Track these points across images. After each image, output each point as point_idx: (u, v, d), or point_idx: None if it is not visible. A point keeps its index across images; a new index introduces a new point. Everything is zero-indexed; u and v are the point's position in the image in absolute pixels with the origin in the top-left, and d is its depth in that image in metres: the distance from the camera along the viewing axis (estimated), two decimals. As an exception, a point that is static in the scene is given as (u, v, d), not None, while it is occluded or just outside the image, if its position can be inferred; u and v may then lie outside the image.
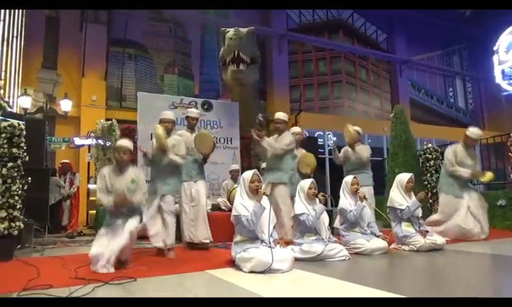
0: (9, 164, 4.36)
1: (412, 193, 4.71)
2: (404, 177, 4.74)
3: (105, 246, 3.50)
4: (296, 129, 5.78)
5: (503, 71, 18.78)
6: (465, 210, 5.26)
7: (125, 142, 3.89)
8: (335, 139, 14.95)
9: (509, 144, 6.32)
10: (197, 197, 4.89)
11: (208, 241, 4.86)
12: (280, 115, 5.29)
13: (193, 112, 5.24)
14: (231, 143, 7.64)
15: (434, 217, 5.59)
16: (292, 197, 4.81)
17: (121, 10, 12.78)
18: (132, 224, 3.62)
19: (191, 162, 4.93)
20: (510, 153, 6.26)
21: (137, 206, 3.80)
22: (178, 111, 7.21)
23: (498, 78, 18.95)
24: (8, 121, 4.57)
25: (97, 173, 7.11)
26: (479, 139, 5.57)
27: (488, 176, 5.27)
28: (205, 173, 5.18)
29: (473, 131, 5.49)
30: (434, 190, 6.77)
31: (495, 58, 19.04)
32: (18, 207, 4.39)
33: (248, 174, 3.69)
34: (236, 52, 8.05)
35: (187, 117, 5.16)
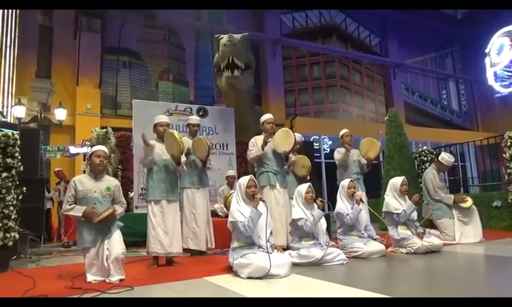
0: (4, 174, 4.33)
1: (406, 196, 4.73)
2: (397, 181, 4.75)
3: (100, 269, 3.45)
4: (297, 136, 5.64)
5: (495, 73, 18.97)
6: (459, 223, 5.48)
7: (102, 147, 3.84)
8: (330, 142, 15.03)
9: (503, 145, 6.36)
10: (199, 205, 4.87)
11: (205, 249, 4.85)
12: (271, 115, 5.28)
13: (193, 119, 5.28)
14: (227, 149, 7.63)
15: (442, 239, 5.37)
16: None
17: (115, 18, 12.80)
18: (118, 249, 3.43)
19: (193, 168, 4.91)
20: (504, 154, 6.30)
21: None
22: (173, 118, 7.20)
23: (491, 80, 19.13)
24: (2, 131, 4.54)
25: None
26: (451, 164, 5.81)
27: (469, 202, 5.53)
28: (207, 179, 5.17)
29: (445, 157, 5.71)
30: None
31: (487, 60, 19.23)
32: (13, 217, 4.35)
33: (244, 180, 3.68)
34: (230, 58, 8.07)
35: (188, 124, 5.19)
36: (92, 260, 3.47)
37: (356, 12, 17.18)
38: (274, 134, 5.06)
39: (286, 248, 4.25)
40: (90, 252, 3.49)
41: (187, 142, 4.93)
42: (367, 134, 5.74)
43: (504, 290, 2.81)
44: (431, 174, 5.74)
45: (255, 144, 5.06)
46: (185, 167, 4.56)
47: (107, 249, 3.43)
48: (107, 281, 3.35)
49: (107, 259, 3.39)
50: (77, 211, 3.49)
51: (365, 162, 5.58)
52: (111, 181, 3.78)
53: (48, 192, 8.35)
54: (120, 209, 3.68)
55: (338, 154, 5.66)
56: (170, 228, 4.25)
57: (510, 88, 18.57)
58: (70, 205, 3.54)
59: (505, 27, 18.46)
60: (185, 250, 4.83)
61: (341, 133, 5.81)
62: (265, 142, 4.88)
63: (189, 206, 4.87)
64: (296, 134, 5.77)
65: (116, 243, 3.46)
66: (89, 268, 3.46)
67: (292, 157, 5.42)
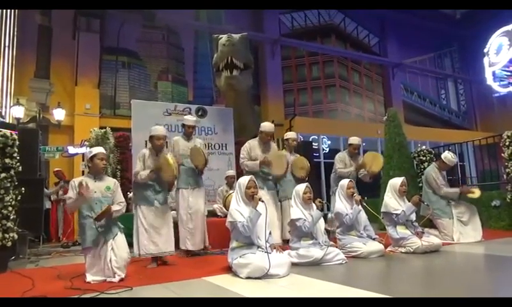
0: (2, 175, 4.33)
1: (405, 197, 4.74)
2: (396, 181, 4.76)
3: (100, 270, 3.47)
4: (291, 134, 5.77)
5: (494, 73, 18.96)
6: (459, 223, 5.47)
7: (102, 149, 3.86)
8: (329, 142, 15.04)
9: (501, 144, 6.37)
10: (195, 205, 4.87)
11: (202, 249, 4.85)
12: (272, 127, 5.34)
13: (189, 120, 5.14)
14: (226, 149, 7.63)
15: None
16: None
17: (114, 18, 12.78)
18: (125, 253, 3.54)
19: (189, 170, 4.90)
20: (503, 154, 6.31)
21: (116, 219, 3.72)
22: (172, 118, 7.21)
23: (490, 80, 19.11)
24: (1, 131, 4.53)
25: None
26: (453, 164, 5.83)
27: (477, 192, 5.51)
28: (203, 180, 5.17)
29: (448, 157, 5.67)
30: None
31: (486, 60, 19.23)
32: (12, 218, 4.35)
33: (244, 180, 3.68)
34: (229, 58, 8.06)
35: (184, 125, 5.12)
36: (93, 260, 3.48)
37: (355, 12, 17.17)
38: (270, 142, 5.21)
39: (282, 246, 4.29)
40: (92, 253, 3.50)
41: (183, 143, 4.94)
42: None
43: (503, 290, 2.81)
44: (433, 172, 5.72)
45: (249, 152, 5.12)
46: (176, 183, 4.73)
47: (112, 249, 3.48)
48: (108, 280, 3.36)
49: (110, 262, 3.42)
50: (74, 199, 3.51)
51: (366, 173, 5.59)
52: (110, 181, 3.82)
53: (47, 189, 8.33)
54: (117, 207, 3.68)
55: (342, 164, 5.71)
56: (159, 229, 4.29)
57: (508, 88, 18.58)
58: (68, 200, 3.56)
59: (503, 27, 18.45)
60: (184, 251, 4.85)
61: (350, 142, 5.82)
62: (263, 163, 4.93)
63: (184, 206, 4.86)
64: (292, 133, 5.84)
65: (122, 247, 3.55)
66: (89, 268, 3.47)
67: (292, 157, 5.49)
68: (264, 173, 5.00)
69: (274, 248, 3.61)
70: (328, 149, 14.89)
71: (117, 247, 3.50)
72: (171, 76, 13.98)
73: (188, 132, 5.06)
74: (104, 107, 12.54)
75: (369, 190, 6.03)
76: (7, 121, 8.81)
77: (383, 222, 4.89)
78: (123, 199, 3.86)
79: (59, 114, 10.42)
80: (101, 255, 3.48)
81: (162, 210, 4.37)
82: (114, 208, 3.63)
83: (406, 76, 18.83)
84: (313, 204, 4.10)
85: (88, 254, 3.51)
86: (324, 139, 15.12)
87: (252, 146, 5.15)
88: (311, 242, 3.99)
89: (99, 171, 3.70)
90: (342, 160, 5.73)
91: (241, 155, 5.19)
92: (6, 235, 4.25)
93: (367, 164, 5.50)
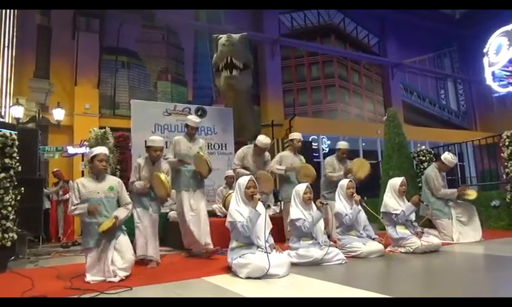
0: (2, 175, 4.32)
1: (404, 197, 4.74)
2: (396, 181, 4.77)
3: (101, 270, 3.47)
4: (297, 135, 5.80)
5: (493, 73, 18.97)
6: (458, 224, 5.49)
7: (103, 149, 3.85)
8: (329, 142, 15.04)
9: (501, 144, 6.38)
10: (197, 206, 4.87)
11: (211, 247, 4.85)
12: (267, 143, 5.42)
13: (193, 121, 5.06)
14: (225, 149, 7.63)
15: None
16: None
17: (114, 18, 12.78)
18: (130, 255, 3.58)
19: (190, 172, 4.89)
20: (502, 154, 6.31)
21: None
22: (172, 118, 7.22)
23: (489, 80, 19.12)
24: (0, 131, 4.53)
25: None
26: (453, 166, 5.85)
27: (474, 193, 5.54)
28: (204, 182, 5.18)
29: (448, 158, 5.67)
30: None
31: (485, 60, 19.24)
32: (11, 218, 4.35)
33: (244, 180, 3.68)
34: (229, 58, 8.05)
35: (187, 125, 5.09)
36: (94, 261, 3.48)
37: (354, 12, 17.18)
38: (265, 152, 5.39)
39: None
40: (93, 253, 3.50)
41: (184, 143, 4.93)
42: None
43: (503, 290, 2.81)
44: (433, 173, 5.74)
45: (241, 159, 5.29)
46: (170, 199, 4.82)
47: (116, 250, 3.50)
48: (107, 280, 3.36)
49: (112, 263, 3.43)
50: (81, 209, 3.53)
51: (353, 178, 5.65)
52: (113, 181, 3.81)
53: (46, 189, 8.31)
54: (124, 214, 3.69)
55: (331, 168, 5.89)
56: (147, 240, 4.36)
57: (508, 88, 18.59)
58: (73, 206, 3.57)
59: (503, 27, 18.46)
60: (186, 251, 4.93)
61: (338, 146, 6.01)
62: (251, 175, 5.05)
63: (187, 209, 4.84)
64: (297, 134, 5.92)
65: (126, 248, 3.57)
66: (90, 269, 3.47)
67: (296, 158, 5.67)
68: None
69: (274, 248, 3.61)
70: (327, 150, 14.88)
71: (121, 248, 3.52)
72: (170, 76, 13.98)
73: (191, 133, 5.05)
74: (103, 107, 12.54)
75: (369, 190, 6.04)
76: (6, 121, 8.80)
77: (382, 222, 4.89)
78: (130, 200, 3.88)
79: (58, 114, 10.41)
80: (102, 256, 3.48)
81: (153, 221, 4.46)
82: (120, 216, 3.63)
83: (406, 76, 18.84)
84: (313, 205, 4.10)
85: (89, 254, 3.51)
86: (323, 139, 15.12)
87: (246, 153, 5.34)
88: (311, 242, 3.99)
89: (100, 172, 3.70)
90: (330, 165, 5.92)
91: (234, 161, 5.42)
92: (6, 235, 4.24)
93: (353, 170, 5.67)
